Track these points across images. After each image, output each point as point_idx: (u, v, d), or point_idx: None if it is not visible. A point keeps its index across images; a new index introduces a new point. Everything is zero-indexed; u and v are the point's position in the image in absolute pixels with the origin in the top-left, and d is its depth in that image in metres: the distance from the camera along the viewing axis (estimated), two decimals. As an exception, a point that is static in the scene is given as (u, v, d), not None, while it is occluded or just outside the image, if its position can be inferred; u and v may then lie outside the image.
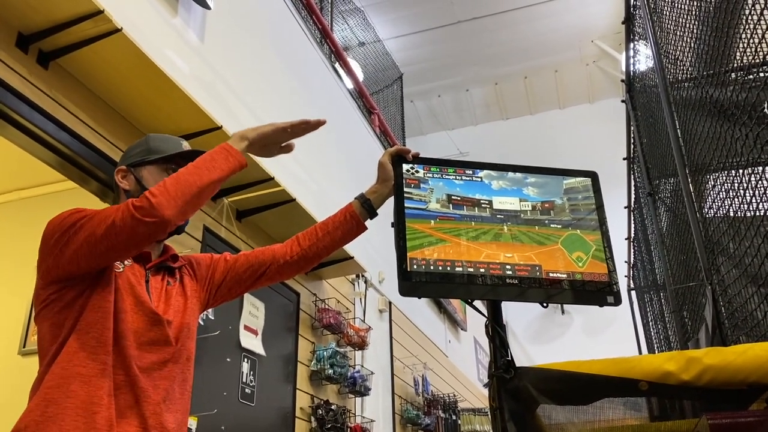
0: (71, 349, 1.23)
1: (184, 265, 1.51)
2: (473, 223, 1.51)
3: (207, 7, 3.36)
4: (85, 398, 1.19)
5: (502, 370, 1.34)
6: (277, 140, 1.46)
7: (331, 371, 4.09)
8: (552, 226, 1.54)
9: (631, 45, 3.99)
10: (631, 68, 4.21)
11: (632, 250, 6.19)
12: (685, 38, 2.34)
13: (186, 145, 1.51)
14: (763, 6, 1.51)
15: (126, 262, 1.36)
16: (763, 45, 1.56)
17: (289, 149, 1.50)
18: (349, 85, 6.11)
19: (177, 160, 1.46)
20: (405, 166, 1.56)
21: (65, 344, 1.24)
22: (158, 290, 1.40)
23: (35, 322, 1.33)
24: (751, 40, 1.62)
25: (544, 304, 1.47)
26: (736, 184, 1.88)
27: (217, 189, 1.34)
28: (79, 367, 1.21)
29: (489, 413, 1.38)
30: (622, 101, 4.65)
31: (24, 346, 3.49)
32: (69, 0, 2.31)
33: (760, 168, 1.67)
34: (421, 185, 1.54)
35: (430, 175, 1.56)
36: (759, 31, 1.55)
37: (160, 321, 1.34)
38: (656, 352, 5.31)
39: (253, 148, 1.43)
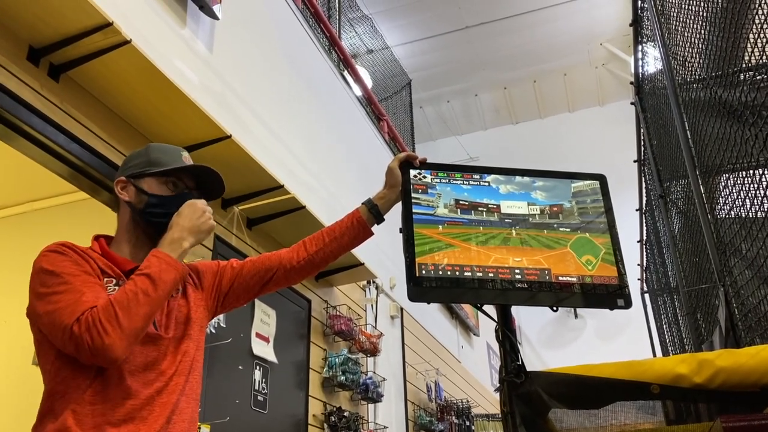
0: (67, 384, 1.22)
1: (187, 274, 1.49)
2: (481, 227, 1.51)
3: (215, 17, 3.39)
4: None
5: (513, 375, 1.33)
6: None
7: (343, 378, 4.09)
8: (561, 229, 1.54)
9: (640, 47, 3.97)
10: (640, 70, 4.19)
11: (645, 253, 6.15)
12: (692, 39, 2.33)
13: (185, 156, 1.49)
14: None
15: (120, 282, 1.32)
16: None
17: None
18: (358, 92, 6.12)
19: (178, 173, 1.45)
20: (412, 172, 1.56)
21: (60, 378, 1.23)
22: None
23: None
24: (759, 40, 1.61)
25: (554, 308, 1.47)
26: (747, 185, 1.87)
27: None
28: (74, 403, 1.20)
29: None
30: (632, 103, 4.63)
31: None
32: (78, 13, 2.33)
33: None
34: (429, 190, 1.55)
35: (438, 180, 1.57)
36: (767, 31, 1.55)
37: (158, 339, 1.31)
38: (670, 355, 5.26)
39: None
